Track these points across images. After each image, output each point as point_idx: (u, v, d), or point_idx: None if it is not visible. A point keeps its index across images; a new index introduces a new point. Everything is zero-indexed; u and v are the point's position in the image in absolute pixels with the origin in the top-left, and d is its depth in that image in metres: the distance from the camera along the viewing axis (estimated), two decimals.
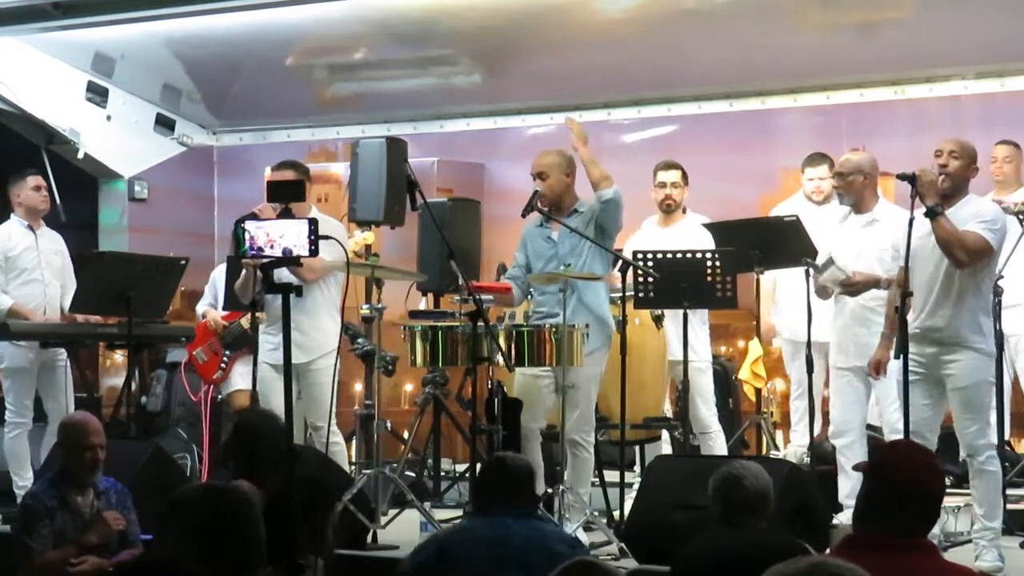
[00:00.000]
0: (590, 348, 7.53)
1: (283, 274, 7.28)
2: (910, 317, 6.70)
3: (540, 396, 7.63)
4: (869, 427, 7.68)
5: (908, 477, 3.84)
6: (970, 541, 6.97)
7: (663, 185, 8.62)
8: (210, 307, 9.44)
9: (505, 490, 5.20)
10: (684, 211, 8.84)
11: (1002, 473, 6.92)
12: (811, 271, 7.79)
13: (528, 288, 7.88)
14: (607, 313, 7.69)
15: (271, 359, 7.64)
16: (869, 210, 7.51)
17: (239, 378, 9.32)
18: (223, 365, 9.39)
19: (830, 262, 7.42)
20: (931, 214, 6.60)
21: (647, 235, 8.68)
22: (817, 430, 8.41)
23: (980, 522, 6.76)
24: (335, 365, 7.89)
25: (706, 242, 8.29)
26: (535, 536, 5.00)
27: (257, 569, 3.70)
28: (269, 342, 7.73)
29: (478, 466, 5.71)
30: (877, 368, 7.05)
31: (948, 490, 7.83)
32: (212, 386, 9.52)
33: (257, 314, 7.69)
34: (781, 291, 8.97)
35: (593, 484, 7.96)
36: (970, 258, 6.64)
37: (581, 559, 3.47)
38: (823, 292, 7.59)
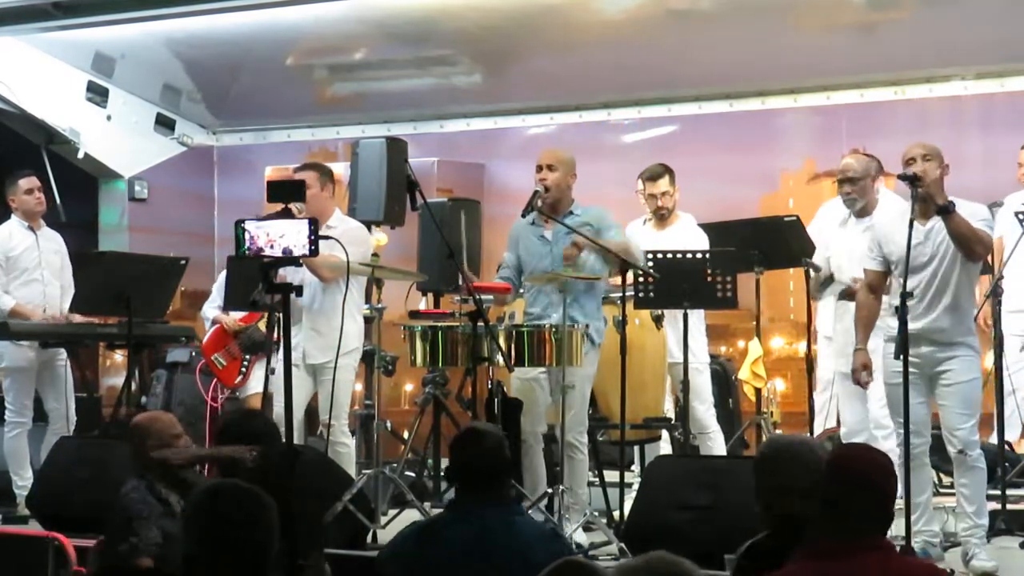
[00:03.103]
0: (584, 349, 7.52)
1: (306, 275, 7.35)
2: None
3: (538, 399, 7.63)
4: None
5: (860, 478, 3.86)
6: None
7: (653, 196, 8.56)
8: (218, 310, 9.41)
9: (481, 469, 4.95)
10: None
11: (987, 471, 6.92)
12: (810, 271, 7.80)
13: (520, 285, 7.87)
14: (600, 314, 7.69)
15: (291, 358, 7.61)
16: (870, 214, 7.51)
17: (258, 382, 9.28)
18: (243, 369, 9.37)
19: (830, 279, 7.43)
20: (944, 212, 6.58)
21: (642, 238, 8.64)
22: (818, 429, 8.42)
23: (970, 520, 6.72)
24: (354, 365, 7.92)
25: (702, 243, 8.29)
26: (513, 541, 4.84)
27: (267, 573, 3.67)
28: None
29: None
30: (864, 369, 6.96)
31: (948, 490, 7.91)
32: (224, 389, 9.50)
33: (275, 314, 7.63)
34: None
35: (593, 484, 7.95)
36: (985, 252, 6.76)
37: (570, 560, 3.44)
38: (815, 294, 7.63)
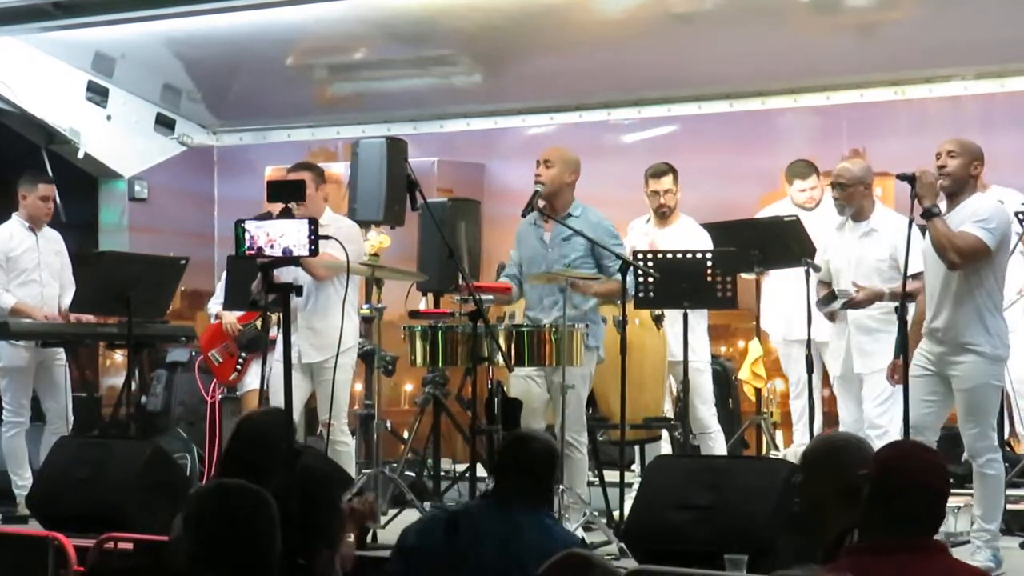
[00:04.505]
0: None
1: (299, 273, 7.35)
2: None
3: (534, 397, 7.63)
4: None
5: (910, 476, 3.81)
6: (969, 541, 6.96)
7: (656, 194, 8.58)
8: (221, 306, 9.42)
9: (523, 472, 5.11)
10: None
11: (1004, 476, 6.90)
12: (811, 271, 7.80)
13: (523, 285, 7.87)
14: (596, 316, 7.68)
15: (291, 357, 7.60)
16: (867, 219, 7.50)
17: (254, 378, 9.29)
18: (239, 367, 9.38)
19: (832, 296, 7.41)
20: (927, 215, 6.60)
21: (644, 236, 8.65)
22: (817, 430, 8.42)
23: (978, 523, 6.76)
24: (351, 364, 7.91)
25: (704, 242, 8.29)
26: (542, 542, 4.91)
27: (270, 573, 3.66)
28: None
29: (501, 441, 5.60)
30: (894, 372, 6.99)
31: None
32: (218, 386, 9.52)
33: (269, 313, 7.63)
34: (768, 291, 8.98)
35: (593, 484, 7.95)
36: (963, 259, 6.59)
37: (573, 551, 3.42)
38: (832, 316, 7.61)
